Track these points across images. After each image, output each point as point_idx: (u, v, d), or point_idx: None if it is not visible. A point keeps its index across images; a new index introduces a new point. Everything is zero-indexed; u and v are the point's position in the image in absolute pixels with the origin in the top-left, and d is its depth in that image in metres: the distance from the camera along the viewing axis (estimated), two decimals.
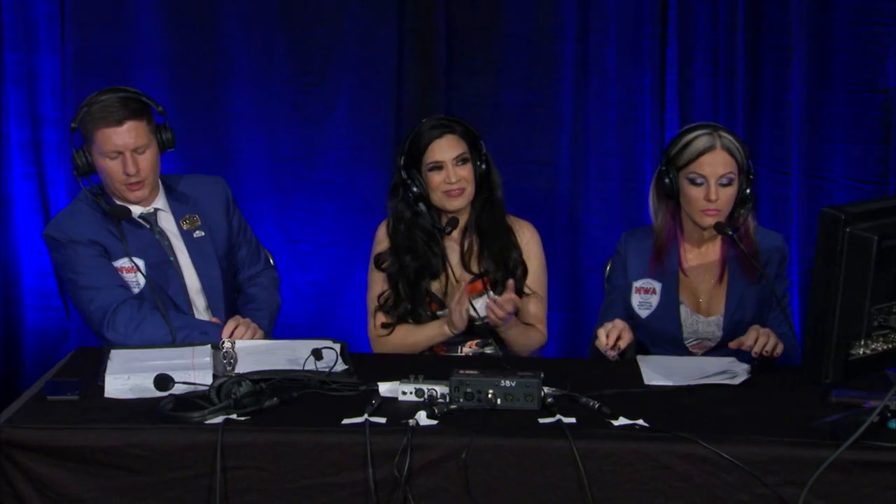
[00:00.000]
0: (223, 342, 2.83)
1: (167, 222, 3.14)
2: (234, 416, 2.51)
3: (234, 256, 3.30)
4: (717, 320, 3.05)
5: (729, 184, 2.98)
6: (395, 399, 2.63)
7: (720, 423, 2.51)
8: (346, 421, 2.49)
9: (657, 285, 3.14)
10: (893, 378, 2.60)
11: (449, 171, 3.24)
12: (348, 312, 4.17)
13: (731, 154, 2.98)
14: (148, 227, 3.14)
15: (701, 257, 3.11)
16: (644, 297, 3.16)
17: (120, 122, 3.01)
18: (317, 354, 2.81)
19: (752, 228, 3.06)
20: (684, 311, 3.08)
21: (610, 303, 3.22)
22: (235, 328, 3.03)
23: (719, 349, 3.06)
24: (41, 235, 3.24)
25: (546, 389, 2.63)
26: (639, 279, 3.14)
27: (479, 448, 2.41)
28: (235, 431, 2.46)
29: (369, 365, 2.91)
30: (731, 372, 2.82)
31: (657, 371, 2.87)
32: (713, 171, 2.95)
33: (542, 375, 2.61)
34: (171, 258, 3.15)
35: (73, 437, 2.46)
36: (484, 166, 3.27)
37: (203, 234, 3.21)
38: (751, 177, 3.02)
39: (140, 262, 3.11)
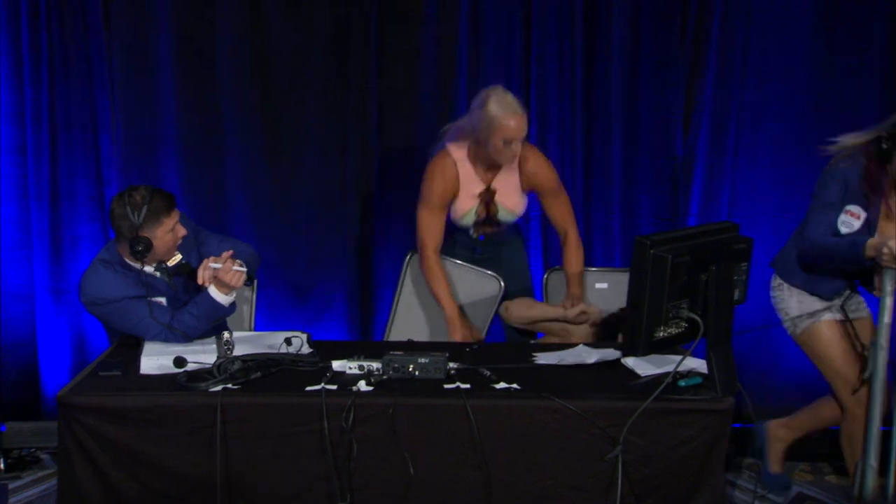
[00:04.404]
0: (223, 334, 3.14)
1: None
2: (230, 386, 2.89)
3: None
4: None
5: None
6: (344, 372, 2.99)
7: (571, 387, 2.93)
8: (308, 388, 2.87)
9: (863, 215, 3.39)
10: (682, 352, 2.93)
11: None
12: None
13: None
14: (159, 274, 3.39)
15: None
16: (848, 219, 3.40)
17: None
18: (288, 341, 3.19)
19: None
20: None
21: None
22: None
23: None
24: None
25: (452, 364, 3.03)
26: (851, 205, 3.39)
27: (401, 406, 2.80)
28: (231, 396, 2.84)
29: (325, 349, 3.22)
30: (597, 355, 3.18)
31: (549, 356, 3.22)
32: None
33: (448, 354, 3.01)
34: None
35: (117, 400, 2.83)
36: None
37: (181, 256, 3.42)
38: None
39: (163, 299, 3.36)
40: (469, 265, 4.03)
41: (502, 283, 4.00)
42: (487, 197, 3.83)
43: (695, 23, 4.43)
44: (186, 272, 3.42)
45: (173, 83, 4.44)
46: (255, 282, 3.96)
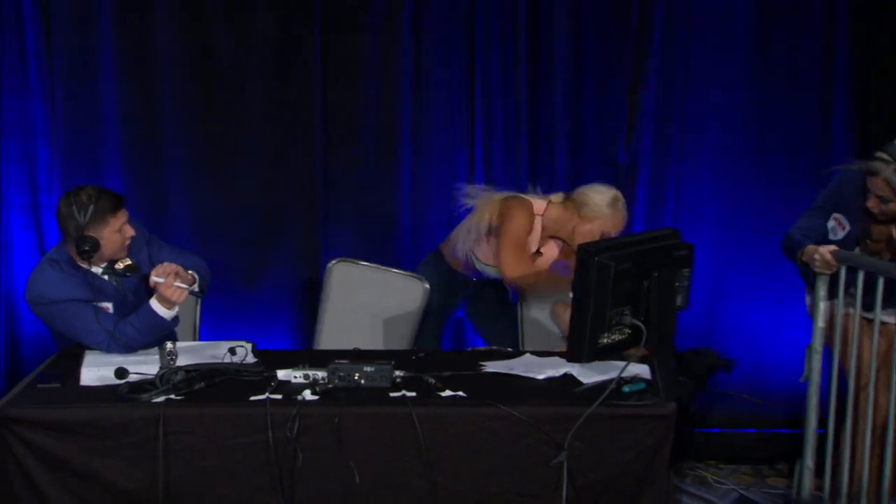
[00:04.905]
0: (166, 344, 3.08)
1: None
2: (172, 397, 2.84)
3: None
4: None
5: None
6: (289, 381, 2.96)
7: (516, 394, 2.94)
8: (252, 397, 2.84)
9: (847, 225, 3.45)
10: (626, 357, 2.91)
11: None
12: None
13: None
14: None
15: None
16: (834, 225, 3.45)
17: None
18: (232, 351, 3.16)
19: None
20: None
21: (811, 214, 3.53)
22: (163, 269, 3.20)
23: None
24: None
25: (398, 372, 3.01)
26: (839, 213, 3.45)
27: (347, 415, 2.79)
28: (173, 407, 2.79)
29: (271, 358, 3.19)
30: (549, 369, 3.15)
31: (499, 365, 3.21)
32: None
33: (394, 362, 3.00)
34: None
35: (56, 413, 2.77)
36: None
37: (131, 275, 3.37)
38: None
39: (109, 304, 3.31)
40: (391, 269, 4.09)
41: (426, 285, 4.04)
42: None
43: (636, 32, 4.48)
44: (135, 273, 3.37)
45: (114, 92, 4.38)
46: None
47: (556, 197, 3.93)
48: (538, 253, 3.95)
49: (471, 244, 3.96)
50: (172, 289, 3.23)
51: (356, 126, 4.48)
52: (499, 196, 3.93)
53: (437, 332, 4.13)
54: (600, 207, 3.79)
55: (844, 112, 4.49)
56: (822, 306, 3.44)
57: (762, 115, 4.53)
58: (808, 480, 3.52)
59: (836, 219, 3.41)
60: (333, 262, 4.12)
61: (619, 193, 3.86)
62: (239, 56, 4.44)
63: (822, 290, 3.45)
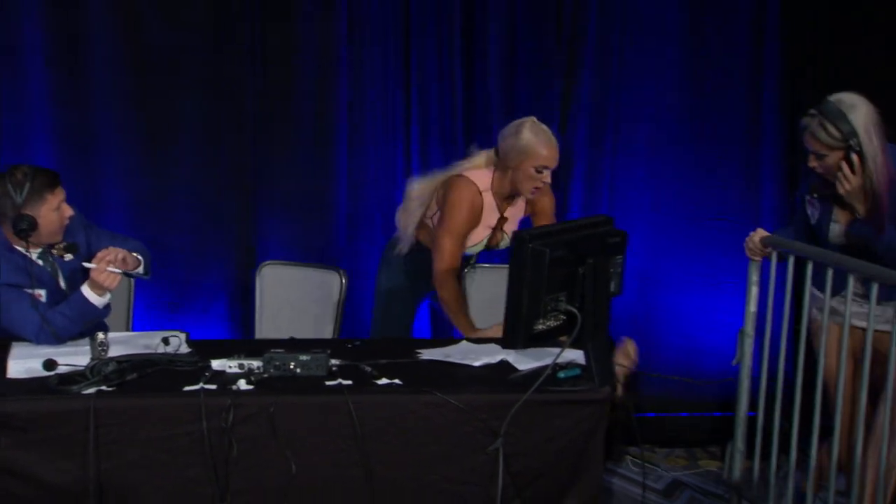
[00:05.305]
0: (97, 335, 3.01)
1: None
2: (104, 388, 2.79)
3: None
4: None
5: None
6: (224, 371, 2.92)
7: (453, 382, 2.94)
8: (186, 388, 2.80)
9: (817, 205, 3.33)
10: (561, 344, 2.89)
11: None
12: None
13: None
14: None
15: None
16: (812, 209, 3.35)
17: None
18: (165, 341, 3.12)
19: None
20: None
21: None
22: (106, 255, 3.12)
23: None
24: None
25: (334, 360, 2.98)
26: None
27: (282, 404, 2.76)
28: (104, 398, 2.74)
29: (205, 348, 3.13)
30: (484, 356, 3.13)
31: (435, 352, 3.19)
32: None
33: (329, 351, 2.97)
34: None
35: None
36: None
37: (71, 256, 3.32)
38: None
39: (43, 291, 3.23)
40: (308, 265, 4.12)
41: (344, 280, 4.03)
42: (499, 225, 3.85)
43: (571, 23, 4.49)
44: (75, 254, 3.29)
45: (44, 76, 4.27)
46: (133, 281, 3.84)
47: (489, 155, 3.81)
48: (503, 219, 3.87)
49: (414, 228, 3.89)
50: (105, 274, 3.14)
51: (291, 113, 4.43)
52: (442, 177, 3.84)
53: (407, 320, 4.04)
54: (517, 148, 3.65)
55: (775, 102, 4.56)
56: (754, 291, 3.50)
57: (695, 106, 4.58)
58: (738, 462, 3.59)
59: (809, 201, 3.42)
60: (263, 264, 4.17)
61: (528, 123, 3.67)
62: (173, 40, 4.36)
63: (753, 276, 3.51)
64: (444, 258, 3.71)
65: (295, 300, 4.15)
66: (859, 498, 3.06)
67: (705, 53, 4.56)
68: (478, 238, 3.85)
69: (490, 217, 3.84)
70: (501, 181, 3.77)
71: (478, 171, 3.81)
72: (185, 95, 4.40)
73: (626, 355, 3.21)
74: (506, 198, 3.84)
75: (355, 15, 4.42)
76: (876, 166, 3.15)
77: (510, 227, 3.89)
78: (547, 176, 3.69)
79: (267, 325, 4.13)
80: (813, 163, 3.28)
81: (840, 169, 3.18)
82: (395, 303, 3.99)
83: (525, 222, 3.99)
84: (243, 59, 4.39)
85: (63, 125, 4.33)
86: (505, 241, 3.90)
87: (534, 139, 3.64)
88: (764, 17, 4.52)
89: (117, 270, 3.17)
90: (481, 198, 3.77)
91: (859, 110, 3.15)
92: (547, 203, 3.90)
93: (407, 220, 3.90)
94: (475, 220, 3.78)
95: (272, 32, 4.40)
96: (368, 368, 3.00)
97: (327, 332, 4.07)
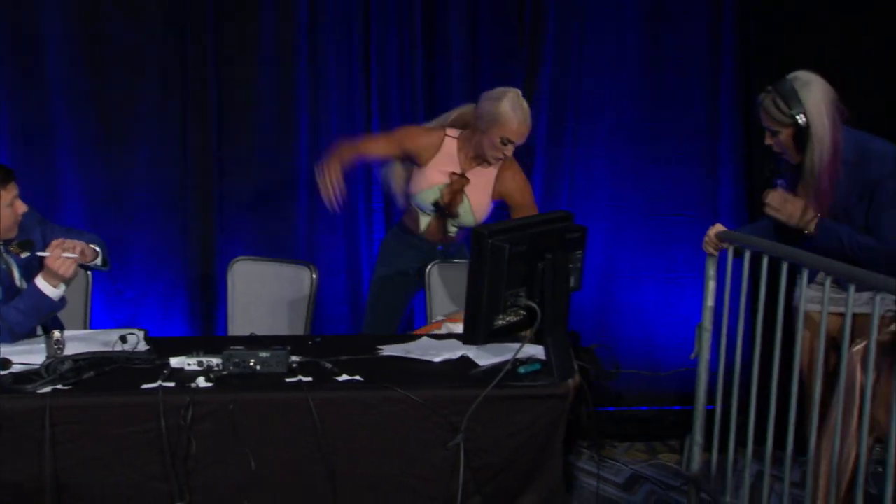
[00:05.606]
0: (53, 333, 2.96)
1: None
2: (59, 387, 2.74)
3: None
4: None
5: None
6: (183, 369, 2.90)
7: (413, 377, 2.91)
8: (144, 386, 2.75)
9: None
10: (521, 339, 2.92)
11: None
12: None
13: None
14: None
15: None
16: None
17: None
18: (123, 339, 3.08)
19: None
20: None
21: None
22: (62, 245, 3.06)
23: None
24: None
25: (294, 357, 2.96)
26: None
27: (242, 402, 2.72)
28: (60, 397, 2.69)
29: (164, 345, 3.11)
30: (445, 352, 3.14)
31: (396, 348, 3.18)
32: None
33: (289, 348, 2.95)
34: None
35: None
36: None
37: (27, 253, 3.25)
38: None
39: None
40: (280, 260, 4.11)
41: (315, 275, 4.04)
42: (458, 184, 3.82)
43: (531, 15, 4.49)
44: (31, 250, 3.21)
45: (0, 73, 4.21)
46: (90, 277, 3.79)
47: (468, 110, 3.88)
48: (464, 177, 3.87)
49: (399, 184, 3.93)
50: (60, 261, 3.06)
51: (252, 106, 4.42)
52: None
53: (393, 322, 4.07)
54: (491, 114, 3.71)
55: (732, 97, 4.60)
56: (711, 286, 3.53)
57: (654, 99, 4.62)
58: (696, 455, 3.62)
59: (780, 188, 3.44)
60: (234, 260, 4.14)
61: (509, 94, 3.73)
62: (130, 34, 4.34)
63: (710, 271, 3.53)
64: (371, 139, 3.84)
65: (266, 296, 4.14)
66: (813, 489, 3.10)
67: (663, 48, 4.60)
68: (430, 181, 3.85)
69: (448, 164, 3.83)
70: (470, 139, 3.83)
71: (452, 125, 3.89)
72: (142, 90, 4.37)
73: None
74: (474, 158, 3.85)
75: (316, 6, 4.41)
76: (822, 145, 3.17)
77: (473, 193, 3.86)
78: (510, 149, 3.75)
79: (239, 322, 4.10)
80: (769, 140, 3.31)
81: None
82: (386, 291, 4.04)
83: (504, 215, 4.00)
84: (202, 52, 4.36)
85: (19, 122, 4.30)
86: (465, 210, 3.87)
87: (510, 112, 3.70)
88: (720, 12, 4.56)
89: (73, 255, 3.09)
90: (443, 140, 3.83)
91: (812, 88, 3.18)
92: (519, 190, 3.92)
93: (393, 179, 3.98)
94: (422, 147, 3.82)
95: (231, 24, 4.39)
96: (329, 365, 2.98)
97: (299, 327, 4.07)
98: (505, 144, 3.73)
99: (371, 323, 4.06)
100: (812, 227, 3.24)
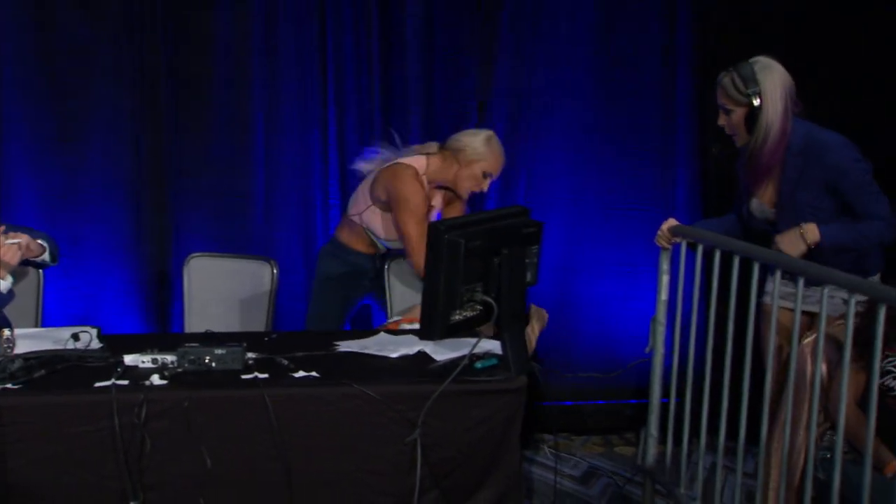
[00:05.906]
0: (2, 331, 2.90)
1: None
2: (9, 386, 2.70)
3: None
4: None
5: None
6: (137, 367, 2.87)
7: (370, 373, 2.90)
8: (97, 384, 2.72)
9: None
10: (478, 334, 2.92)
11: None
12: None
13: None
14: None
15: None
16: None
17: None
18: (75, 337, 3.04)
19: None
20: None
21: None
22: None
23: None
24: None
25: (250, 354, 2.95)
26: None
27: (197, 399, 2.70)
28: (9, 397, 2.66)
29: (118, 343, 3.08)
30: (402, 347, 3.14)
31: (353, 344, 3.19)
32: None
33: (245, 344, 2.93)
34: None
35: None
36: None
37: None
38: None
39: None
40: (238, 256, 4.10)
41: (275, 270, 4.03)
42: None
43: (486, 11, 4.49)
44: None
45: None
46: (42, 275, 3.74)
47: (432, 147, 3.94)
48: (430, 207, 3.94)
49: (367, 217, 3.92)
50: (5, 248, 3.00)
51: (207, 101, 4.35)
52: (380, 165, 3.91)
53: (342, 309, 4.08)
54: (477, 149, 3.85)
55: (687, 91, 4.63)
56: (665, 280, 3.55)
57: (610, 94, 4.63)
58: (651, 448, 3.65)
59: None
60: (190, 256, 4.11)
61: (491, 133, 3.92)
62: (83, 28, 4.25)
63: (664, 265, 3.56)
64: (416, 243, 3.72)
65: (225, 292, 4.11)
66: (765, 480, 3.13)
67: (619, 41, 4.61)
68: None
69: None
70: (443, 170, 3.88)
71: (410, 157, 3.89)
72: (96, 85, 4.29)
73: (539, 318, 3.41)
74: (439, 188, 3.92)
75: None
76: (770, 128, 3.23)
77: (429, 216, 3.92)
78: (486, 184, 3.88)
79: (196, 318, 4.06)
80: (722, 120, 3.37)
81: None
82: (330, 291, 4.03)
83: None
84: (156, 46, 4.29)
85: None
86: None
87: (496, 148, 3.88)
88: (675, 5, 4.59)
89: (16, 241, 3.03)
90: (422, 182, 3.87)
91: (771, 72, 3.24)
92: (461, 207, 4.03)
93: (354, 204, 3.98)
94: (427, 199, 3.87)
95: (185, 17, 4.32)
96: (285, 361, 2.97)
97: (259, 323, 4.04)
98: (485, 178, 3.86)
99: (315, 321, 4.04)
100: (815, 237, 3.25)
